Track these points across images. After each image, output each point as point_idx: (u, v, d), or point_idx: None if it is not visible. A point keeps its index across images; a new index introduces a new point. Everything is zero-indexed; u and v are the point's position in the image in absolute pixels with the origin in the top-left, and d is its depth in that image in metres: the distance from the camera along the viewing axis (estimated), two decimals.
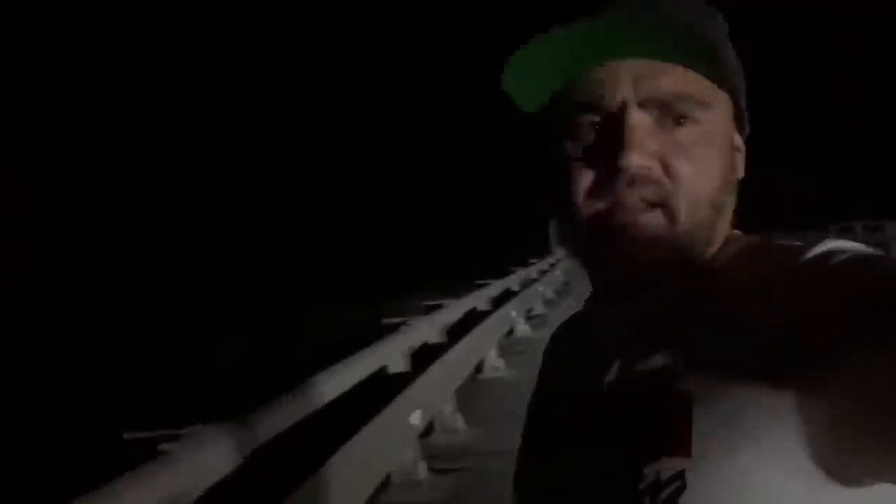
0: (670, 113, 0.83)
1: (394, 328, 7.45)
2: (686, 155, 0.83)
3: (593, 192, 0.84)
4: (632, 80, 0.83)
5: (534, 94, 0.89)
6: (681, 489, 0.77)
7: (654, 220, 0.82)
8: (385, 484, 5.59)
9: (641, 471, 0.80)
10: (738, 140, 0.91)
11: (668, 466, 0.78)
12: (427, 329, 8.37)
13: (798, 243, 0.84)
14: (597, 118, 0.84)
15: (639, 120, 0.82)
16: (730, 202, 0.89)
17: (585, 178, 0.84)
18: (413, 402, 5.73)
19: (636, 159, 0.81)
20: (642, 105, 0.83)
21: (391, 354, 6.59)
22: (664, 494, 0.78)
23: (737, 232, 0.90)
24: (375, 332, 7.11)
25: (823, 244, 0.81)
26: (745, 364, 0.77)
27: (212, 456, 2.91)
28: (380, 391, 5.47)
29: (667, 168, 0.83)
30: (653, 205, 0.82)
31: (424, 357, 7.16)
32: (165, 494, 2.58)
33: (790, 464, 0.74)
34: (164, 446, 2.75)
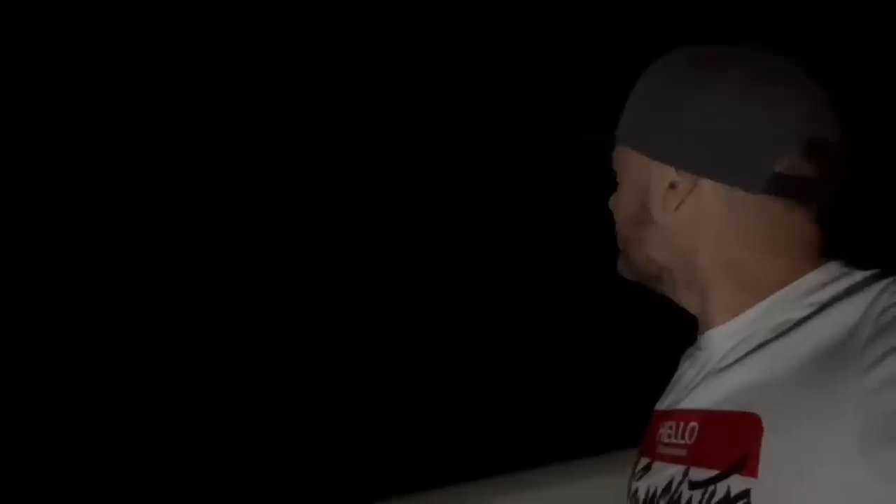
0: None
1: None
2: (615, 200, 1.11)
3: None
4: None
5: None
6: None
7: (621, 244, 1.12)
8: None
9: (714, 486, 0.89)
10: (657, 183, 1.02)
11: (736, 484, 0.87)
12: None
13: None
14: None
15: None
16: (648, 230, 1.04)
17: None
18: None
19: (610, 204, 1.12)
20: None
21: None
22: None
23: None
24: None
25: None
26: (812, 390, 0.84)
27: None
28: None
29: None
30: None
31: None
32: None
33: (853, 491, 0.79)
34: None
